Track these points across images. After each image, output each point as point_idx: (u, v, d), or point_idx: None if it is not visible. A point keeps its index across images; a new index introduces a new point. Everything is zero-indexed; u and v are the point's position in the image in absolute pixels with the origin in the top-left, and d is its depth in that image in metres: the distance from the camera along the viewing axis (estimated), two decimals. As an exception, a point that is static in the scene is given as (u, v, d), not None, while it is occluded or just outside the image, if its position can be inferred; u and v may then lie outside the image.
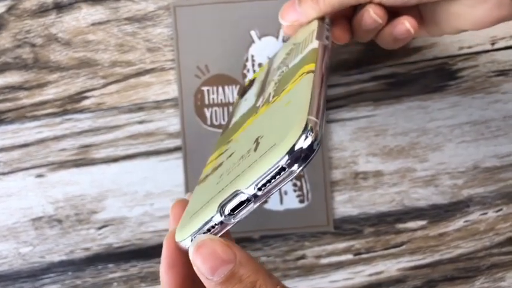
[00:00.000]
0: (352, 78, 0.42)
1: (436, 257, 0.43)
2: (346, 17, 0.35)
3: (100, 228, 0.42)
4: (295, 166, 0.19)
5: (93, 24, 0.42)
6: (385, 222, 0.43)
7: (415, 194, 0.43)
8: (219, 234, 0.22)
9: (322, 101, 0.22)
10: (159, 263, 0.42)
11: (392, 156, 0.43)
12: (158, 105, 0.42)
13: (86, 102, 0.42)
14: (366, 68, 0.42)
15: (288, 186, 0.42)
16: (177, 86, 0.42)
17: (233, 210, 0.21)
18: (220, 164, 0.27)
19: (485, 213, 0.43)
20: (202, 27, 0.42)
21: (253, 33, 0.42)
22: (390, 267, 0.43)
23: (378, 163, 0.43)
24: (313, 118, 0.20)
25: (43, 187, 0.42)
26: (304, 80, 0.24)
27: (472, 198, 0.43)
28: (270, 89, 0.30)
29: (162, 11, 0.42)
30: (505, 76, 0.43)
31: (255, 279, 0.21)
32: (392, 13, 0.33)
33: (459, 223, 0.43)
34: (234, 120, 0.35)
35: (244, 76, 0.42)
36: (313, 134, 0.19)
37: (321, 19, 0.32)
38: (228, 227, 0.22)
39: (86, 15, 0.42)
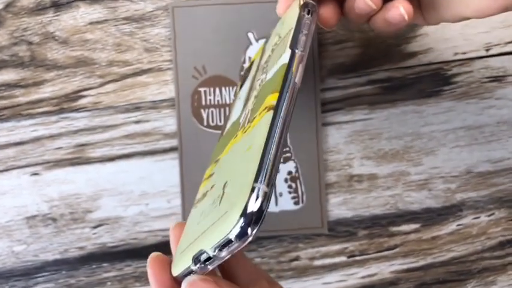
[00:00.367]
0: (349, 82, 0.43)
1: (429, 260, 0.43)
2: None
3: (95, 227, 0.42)
4: (249, 230, 0.19)
5: (90, 23, 0.42)
6: (378, 225, 0.43)
7: (409, 197, 0.43)
8: (211, 268, 0.23)
9: (275, 156, 0.21)
10: (153, 263, 0.42)
11: (386, 160, 0.43)
12: (155, 105, 0.42)
13: (82, 101, 0.42)
14: (362, 71, 0.43)
15: (283, 188, 0.42)
16: (174, 87, 0.42)
17: (206, 261, 0.22)
18: (205, 194, 0.27)
19: (478, 218, 0.43)
20: (200, 28, 0.42)
21: (250, 35, 0.42)
22: (383, 270, 0.43)
23: (373, 166, 0.43)
24: (259, 186, 0.20)
25: (38, 185, 0.42)
26: (263, 121, 0.23)
27: (465, 202, 0.43)
28: (251, 103, 0.29)
29: (161, 11, 0.42)
30: (499, 82, 0.43)
31: None
32: None
33: (452, 227, 0.43)
34: (229, 122, 0.35)
35: (241, 78, 0.42)
36: (260, 201, 0.19)
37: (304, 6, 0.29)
38: (214, 267, 0.23)
39: (83, 14, 0.42)
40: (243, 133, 0.26)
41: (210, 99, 0.42)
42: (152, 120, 0.42)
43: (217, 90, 0.42)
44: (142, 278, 0.42)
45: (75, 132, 0.42)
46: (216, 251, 0.21)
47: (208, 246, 0.21)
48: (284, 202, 0.42)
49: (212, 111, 0.42)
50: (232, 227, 0.19)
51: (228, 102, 0.42)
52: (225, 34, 0.42)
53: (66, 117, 0.42)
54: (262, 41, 0.42)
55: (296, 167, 0.42)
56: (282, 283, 0.42)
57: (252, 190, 0.20)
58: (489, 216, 0.43)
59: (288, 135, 0.42)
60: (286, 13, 0.31)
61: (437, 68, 0.43)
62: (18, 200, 0.42)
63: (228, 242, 0.20)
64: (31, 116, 0.42)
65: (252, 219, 0.19)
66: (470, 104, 0.43)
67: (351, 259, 0.43)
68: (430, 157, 0.43)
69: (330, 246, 0.43)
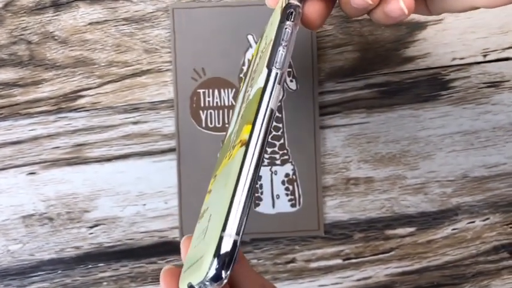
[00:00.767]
0: (347, 85, 0.43)
1: (424, 263, 0.43)
2: None
3: (91, 227, 0.42)
4: (223, 274, 0.21)
5: (90, 24, 0.42)
6: (374, 228, 0.43)
7: (405, 201, 0.43)
8: None
9: (244, 203, 0.21)
10: (149, 263, 0.43)
11: (383, 164, 0.43)
12: (153, 106, 0.42)
13: (81, 101, 0.42)
14: (360, 75, 0.43)
15: (280, 190, 0.42)
16: (173, 88, 0.42)
17: None
18: (202, 215, 0.28)
19: (473, 222, 0.43)
20: (200, 30, 0.42)
21: (250, 37, 0.42)
22: (378, 273, 0.43)
23: (369, 170, 0.43)
24: (228, 235, 0.21)
25: (35, 185, 0.42)
26: (236, 159, 0.23)
27: (460, 206, 0.43)
28: (239, 119, 0.28)
29: (161, 12, 0.42)
30: (496, 88, 0.44)
31: None
32: None
33: (447, 231, 0.43)
34: (229, 129, 0.34)
35: (241, 80, 0.42)
36: (230, 247, 0.20)
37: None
38: None
39: (83, 14, 0.42)
40: (228, 159, 0.26)
41: (208, 101, 0.42)
42: (151, 121, 0.42)
43: (216, 92, 0.42)
44: (138, 278, 0.43)
45: (73, 132, 0.42)
46: (201, 286, 0.22)
47: (195, 282, 0.22)
48: (281, 204, 0.42)
49: (211, 113, 0.42)
50: (204, 275, 0.21)
51: (226, 104, 0.42)
52: (224, 36, 0.42)
53: (65, 117, 0.42)
54: (261, 44, 0.42)
55: (293, 170, 0.42)
56: (278, 285, 0.42)
57: (220, 240, 0.20)
58: (484, 220, 0.44)
59: (286, 141, 0.43)
60: (275, 9, 0.29)
61: (435, 73, 0.43)
62: (15, 199, 0.42)
63: (204, 285, 0.21)
64: (29, 115, 0.42)
65: (222, 266, 0.20)
66: (466, 109, 0.43)
67: (347, 262, 0.43)
68: (427, 161, 0.43)
69: (326, 249, 0.43)
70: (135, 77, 0.42)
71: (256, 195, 0.42)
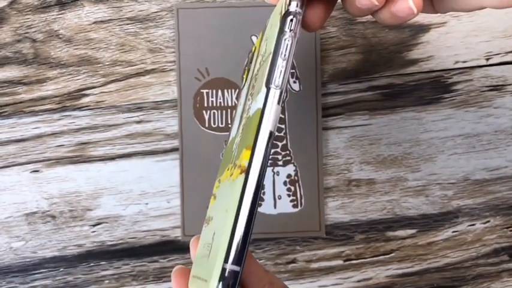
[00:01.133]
0: (350, 87, 0.43)
1: (424, 265, 0.44)
2: None
3: (94, 225, 0.42)
4: None
5: (95, 23, 0.42)
6: (375, 229, 0.43)
7: (406, 203, 0.43)
8: None
9: (244, 234, 0.22)
10: (151, 262, 0.43)
11: (385, 165, 0.43)
12: (157, 105, 0.43)
13: (85, 100, 0.42)
14: (363, 77, 0.43)
15: (282, 191, 0.43)
16: (177, 88, 0.42)
17: None
18: (207, 221, 0.28)
19: (473, 225, 0.44)
20: (204, 31, 0.42)
21: (254, 38, 0.42)
22: (379, 274, 0.43)
23: (371, 171, 0.43)
24: (229, 267, 0.21)
25: (38, 182, 0.42)
26: (237, 185, 0.23)
27: (461, 209, 0.44)
28: (240, 131, 0.28)
29: (165, 12, 0.42)
30: (498, 91, 0.44)
31: None
32: None
33: (447, 233, 0.44)
34: (232, 131, 0.33)
35: (244, 72, 0.42)
36: (232, 278, 0.21)
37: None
38: None
39: (88, 13, 0.42)
40: (230, 175, 0.26)
41: (212, 101, 0.42)
42: (154, 120, 0.43)
43: (219, 92, 0.42)
44: (140, 277, 0.43)
45: (77, 130, 0.42)
46: None
47: None
48: (283, 205, 0.43)
49: (214, 113, 0.42)
50: None
51: (230, 104, 0.42)
52: (228, 37, 0.42)
53: (68, 115, 0.42)
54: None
55: (295, 170, 0.43)
56: (279, 285, 0.42)
57: (223, 271, 0.21)
58: (484, 223, 0.44)
59: (289, 142, 0.43)
60: (276, 8, 0.27)
61: (438, 76, 0.44)
62: (18, 196, 0.42)
63: None
64: (33, 113, 0.42)
65: (232, 277, 0.21)
66: (469, 112, 0.44)
67: (347, 263, 0.43)
68: (428, 164, 0.44)
69: (327, 250, 0.43)
70: (139, 77, 0.42)
71: (258, 195, 0.42)
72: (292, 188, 0.43)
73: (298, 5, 0.25)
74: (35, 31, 0.42)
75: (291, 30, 0.24)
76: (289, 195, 0.43)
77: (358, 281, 0.43)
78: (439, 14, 0.43)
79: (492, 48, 0.44)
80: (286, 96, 0.43)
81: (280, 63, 0.24)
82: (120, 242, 0.43)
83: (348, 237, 0.43)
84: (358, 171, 0.43)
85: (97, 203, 0.42)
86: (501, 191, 0.44)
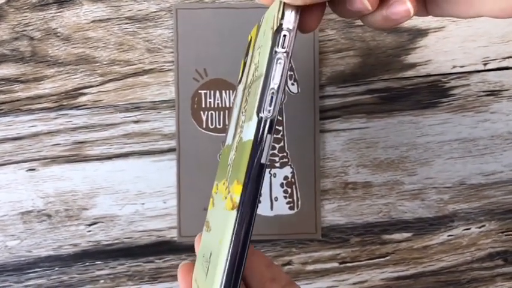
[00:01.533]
0: (348, 90, 0.43)
1: (419, 269, 0.44)
2: None
3: (90, 225, 0.42)
4: None
5: (93, 21, 0.42)
6: (371, 232, 0.44)
7: (402, 206, 0.44)
8: None
9: (237, 270, 0.22)
10: (147, 262, 0.43)
11: (381, 169, 0.43)
12: (155, 105, 0.42)
13: (82, 99, 0.42)
14: (361, 80, 0.43)
15: (278, 193, 0.43)
16: (175, 88, 0.42)
17: None
18: (208, 227, 0.28)
19: (469, 229, 0.44)
20: (203, 31, 0.42)
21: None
22: (374, 277, 0.44)
23: (368, 174, 0.43)
24: None
25: (34, 181, 0.42)
26: (229, 221, 0.22)
27: (457, 213, 0.44)
28: (235, 145, 0.26)
29: (164, 12, 0.42)
30: (495, 96, 0.44)
31: None
32: None
33: (443, 237, 0.44)
34: (228, 135, 0.32)
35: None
36: None
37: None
38: None
39: (86, 11, 0.42)
40: (224, 198, 0.25)
41: (210, 102, 0.42)
42: (151, 120, 0.42)
43: (217, 93, 0.42)
44: (135, 277, 0.43)
45: (74, 129, 0.42)
46: None
47: None
48: (279, 207, 0.43)
49: (212, 114, 0.42)
50: None
51: (228, 105, 0.42)
52: (227, 38, 0.42)
53: (66, 114, 0.42)
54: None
55: (292, 172, 0.43)
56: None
57: None
58: (480, 227, 0.44)
59: (286, 144, 0.43)
60: (268, 12, 0.25)
61: (435, 80, 0.44)
62: (14, 195, 0.42)
63: None
64: (30, 111, 0.42)
65: None
66: (465, 117, 0.44)
67: (343, 265, 0.43)
68: (425, 167, 0.44)
69: (323, 252, 0.43)
70: (137, 76, 0.42)
71: (255, 197, 0.42)
72: (289, 190, 0.43)
73: (292, 18, 0.22)
74: (32, 29, 0.42)
75: (283, 49, 0.22)
76: (285, 197, 0.43)
77: (354, 284, 0.44)
78: (437, 19, 0.43)
79: (490, 54, 0.44)
80: (284, 99, 0.43)
81: (272, 89, 0.22)
82: (116, 241, 0.43)
83: (344, 240, 0.43)
84: (355, 174, 0.43)
85: (93, 202, 0.42)
86: (496, 196, 0.44)
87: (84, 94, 0.42)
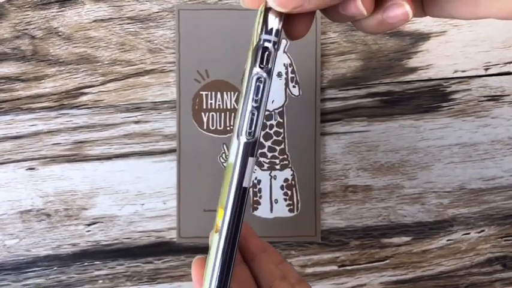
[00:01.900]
0: (349, 93, 0.43)
1: (418, 273, 0.44)
2: None
3: (89, 225, 0.42)
4: None
5: (95, 21, 0.42)
6: (370, 236, 0.44)
7: (402, 210, 0.44)
8: None
9: None
10: (146, 263, 0.43)
11: (382, 172, 0.43)
12: (156, 106, 0.42)
13: (83, 98, 0.42)
14: (363, 84, 0.43)
15: (278, 195, 0.43)
16: (176, 89, 0.42)
17: None
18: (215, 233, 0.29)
19: (468, 234, 0.44)
20: (205, 32, 0.42)
21: (255, 41, 0.42)
22: (373, 281, 0.43)
23: (368, 178, 0.43)
24: None
25: (33, 180, 0.42)
26: (214, 244, 0.22)
27: (456, 218, 0.44)
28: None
29: (166, 13, 0.42)
30: (496, 101, 0.44)
31: None
32: None
33: (442, 241, 0.44)
34: (231, 149, 0.30)
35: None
36: None
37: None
38: None
39: (88, 11, 0.42)
40: (216, 227, 0.24)
41: (211, 103, 0.42)
42: (152, 121, 0.42)
43: (218, 94, 0.42)
44: (134, 277, 0.43)
45: (74, 129, 0.42)
46: None
47: None
48: (279, 209, 0.43)
49: (213, 115, 0.42)
50: None
51: (229, 107, 0.42)
52: (229, 39, 0.42)
53: (66, 113, 0.42)
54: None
55: (293, 175, 0.43)
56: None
57: None
58: (479, 232, 0.44)
59: (287, 146, 0.43)
60: (257, 16, 0.22)
61: (437, 85, 0.44)
62: (13, 193, 0.42)
63: None
64: (30, 110, 0.42)
65: None
66: (466, 122, 0.44)
67: (342, 268, 0.43)
68: (425, 172, 0.44)
69: (322, 255, 0.43)
70: (138, 77, 0.42)
71: (255, 199, 0.42)
72: (289, 193, 0.43)
73: (274, 30, 0.20)
74: (34, 28, 0.42)
75: (262, 68, 0.20)
76: (285, 200, 0.43)
77: (352, 287, 0.44)
78: (439, 23, 0.43)
79: (491, 59, 0.44)
80: (285, 101, 0.43)
81: (252, 111, 0.20)
82: (115, 242, 0.42)
83: (343, 243, 0.43)
84: (355, 178, 0.43)
85: (92, 202, 0.42)
86: (496, 201, 0.44)
87: (85, 94, 0.42)
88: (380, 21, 0.24)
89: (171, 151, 0.42)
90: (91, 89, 0.42)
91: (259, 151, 0.42)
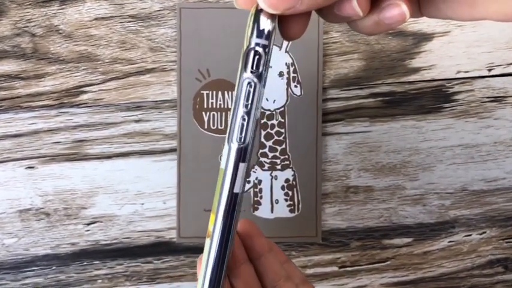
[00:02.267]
0: (351, 93, 0.43)
1: (419, 274, 0.43)
2: None
3: (88, 224, 0.42)
4: None
5: (96, 19, 0.42)
6: (372, 237, 0.43)
7: (403, 211, 0.43)
8: None
9: None
10: (145, 263, 0.42)
11: (383, 173, 0.43)
12: (156, 105, 0.42)
13: (83, 97, 0.42)
14: (365, 84, 0.43)
15: (279, 195, 0.42)
16: (177, 88, 0.42)
17: None
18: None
19: (469, 235, 0.44)
20: (207, 31, 0.42)
21: (256, 41, 0.42)
22: (374, 282, 0.43)
23: (370, 179, 0.43)
24: None
25: (33, 179, 0.42)
26: (206, 248, 0.23)
27: (458, 219, 0.44)
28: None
29: (167, 11, 0.42)
30: (499, 102, 0.44)
31: None
32: None
33: (443, 243, 0.44)
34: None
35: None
36: None
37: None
38: None
39: (89, 9, 0.42)
40: (209, 234, 0.24)
41: (212, 103, 0.42)
42: (153, 120, 0.42)
43: (219, 94, 0.42)
44: (133, 277, 0.42)
45: (74, 127, 0.42)
46: None
47: None
48: (280, 209, 0.42)
49: (214, 115, 0.42)
50: None
51: (230, 106, 0.42)
52: (231, 38, 0.42)
53: (66, 112, 0.42)
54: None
55: (294, 175, 0.42)
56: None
57: None
58: (481, 234, 0.44)
59: (288, 146, 0.42)
60: (250, 15, 0.21)
61: (439, 85, 0.43)
62: (12, 192, 0.42)
63: None
64: (30, 108, 0.42)
65: None
66: (469, 123, 0.44)
67: (343, 269, 0.43)
68: (427, 173, 0.43)
69: (323, 256, 0.43)
70: (139, 75, 0.42)
71: (256, 199, 0.42)
72: (290, 193, 0.42)
73: (265, 33, 0.19)
74: (34, 25, 0.42)
75: (254, 72, 0.19)
76: (286, 200, 0.42)
77: (353, 288, 0.43)
78: (443, 23, 0.43)
79: (494, 59, 0.43)
80: (287, 101, 0.42)
81: (243, 117, 0.20)
82: (115, 241, 0.42)
83: (344, 244, 0.43)
84: (357, 178, 0.43)
85: (92, 201, 0.42)
86: (498, 203, 0.44)
87: (85, 92, 0.42)
88: (376, 22, 0.24)
89: (171, 150, 0.42)
90: (91, 87, 0.42)
91: (260, 151, 0.42)
